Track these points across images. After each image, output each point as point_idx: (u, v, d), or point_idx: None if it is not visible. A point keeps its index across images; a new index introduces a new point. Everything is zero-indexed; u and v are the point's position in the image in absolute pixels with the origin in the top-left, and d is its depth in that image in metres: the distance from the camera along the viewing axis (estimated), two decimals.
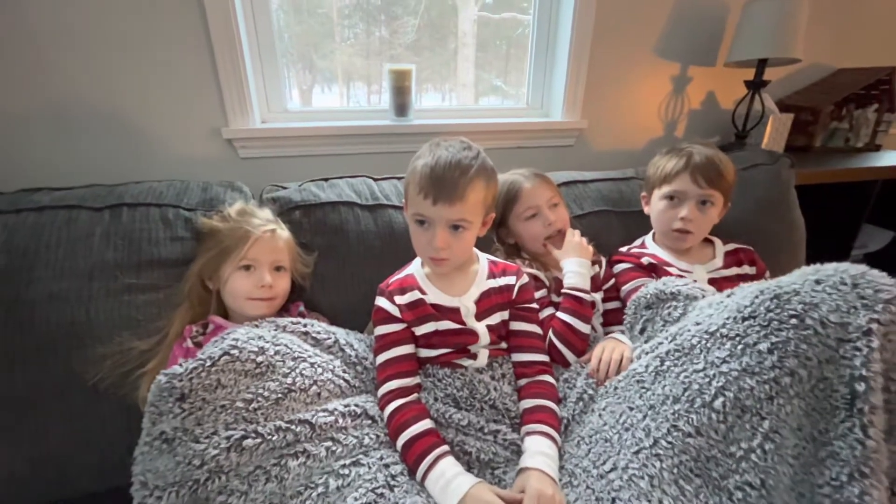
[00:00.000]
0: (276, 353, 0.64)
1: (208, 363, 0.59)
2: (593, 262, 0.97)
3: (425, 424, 0.67)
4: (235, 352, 0.61)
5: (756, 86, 1.40)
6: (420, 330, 0.76)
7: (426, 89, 1.52)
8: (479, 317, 0.78)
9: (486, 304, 0.79)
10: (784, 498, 0.55)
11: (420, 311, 0.75)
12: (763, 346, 0.57)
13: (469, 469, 0.65)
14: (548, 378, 0.78)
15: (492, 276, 0.82)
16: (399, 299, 0.76)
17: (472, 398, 0.72)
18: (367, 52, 1.39)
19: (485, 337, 0.77)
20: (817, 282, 0.58)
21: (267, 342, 0.64)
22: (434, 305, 0.76)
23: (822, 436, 0.55)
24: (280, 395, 0.60)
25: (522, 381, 0.78)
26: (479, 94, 1.55)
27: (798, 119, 1.56)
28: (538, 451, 0.66)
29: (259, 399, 0.59)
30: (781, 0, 1.28)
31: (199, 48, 1.09)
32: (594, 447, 0.66)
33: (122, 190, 0.85)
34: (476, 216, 0.74)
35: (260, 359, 0.62)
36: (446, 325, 0.76)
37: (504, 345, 0.81)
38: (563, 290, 0.88)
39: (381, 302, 0.78)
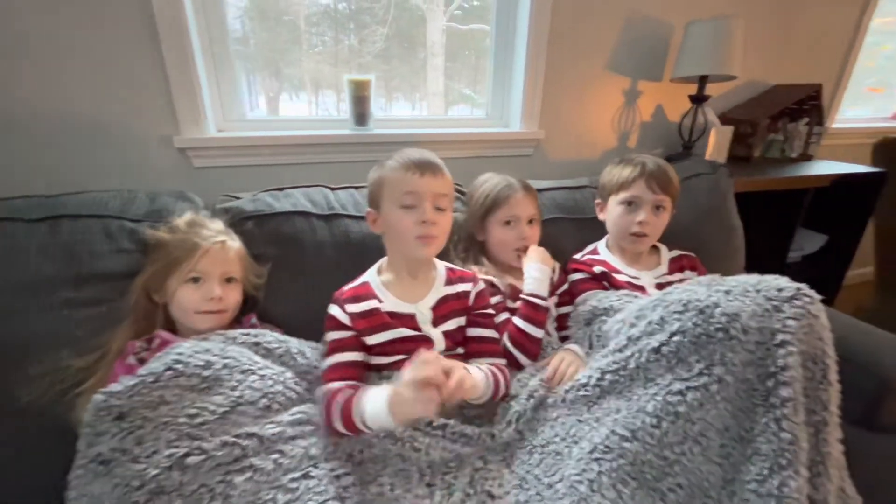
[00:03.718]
0: (224, 366, 0.63)
1: (150, 379, 0.57)
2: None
3: (351, 391, 0.67)
4: (180, 366, 0.60)
5: (698, 100, 1.49)
6: (374, 339, 0.76)
7: (396, 98, 1.53)
8: (436, 322, 0.80)
9: (444, 309, 0.81)
10: (714, 496, 0.59)
11: (374, 319, 0.76)
12: (693, 359, 0.61)
13: (421, 477, 0.66)
14: (502, 367, 0.81)
15: (449, 282, 0.84)
16: (351, 307, 0.76)
17: None
18: (335, 59, 1.39)
19: (440, 342, 0.78)
20: (727, 292, 0.63)
21: (214, 355, 0.63)
22: (390, 313, 0.77)
23: (748, 434, 0.59)
24: (227, 409, 0.59)
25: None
26: (449, 103, 1.57)
27: (738, 131, 1.67)
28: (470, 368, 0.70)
29: (204, 413, 0.58)
30: (718, 22, 1.37)
31: (149, 56, 1.06)
32: (546, 458, 0.68)
33: (62, 201, 0.81)
34: (451, 202, 0.81)
35: (206, 373, 0.61)
36: (402, 332, 0.77)
37: (460, 350, 0.83)
38: (521, 296, 0.90)
39: (332, 310, 0.78)
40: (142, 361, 0.70)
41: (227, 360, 0.63)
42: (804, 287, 0.65)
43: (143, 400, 0.56)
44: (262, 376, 0.64)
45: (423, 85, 1.52)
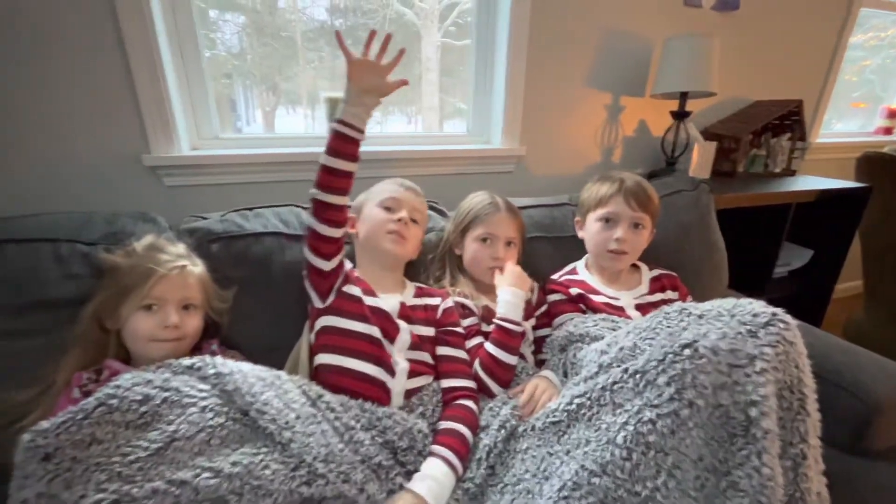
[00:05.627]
0: (164, 400, 0.58)
1: (80, 416, 0.53)
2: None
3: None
4: (114, 401, 0.56)
5: (680, 116, 1.48)
6: (348, 288, 0.83)
7: (392, 112, 1.57)
8: (403, 318, 0.83)
9: (412, 313, 0.85)
10: None
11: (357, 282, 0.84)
12: (661, 380, 0.57)
13: None
14: (468, 403, 0.78)
15: (418, 296, 0.90)
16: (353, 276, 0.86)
17: (410, 449, 0.71)
18: (332, 74, 1.42)
19: (405, 333, 0.81)
20: (700, 316, 0.60)
21: (155, 388, 0.59)
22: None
23: (722, 465, 0.56)
24: (161, 445, 0.55)
25: (446, 408, 0.78)
26: (444, 117, 1.59)
27: (722, 147, 1.67)
28: (429, 474, 0.66)
29: (137, 451, 0.54)
30: (694, 39, 1.38)
31: (116, 72, 1.04)
32: (517, 498, 0.65)
33: (10, 225, 0.78)
34: (425, 221, 0.97)
35: (144, 408, 0.57)
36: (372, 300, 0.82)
37: (429, 358, 0.82)
38: (494, 320, 0.87)
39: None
40: (87, 394, 0.66)
41: (168, 394, 0.59)
42: (780, 312, 0.62)
43: (71, 439, 0.52)
44: (203, 408, 0.59)
45: (419, 99, 1.54)
